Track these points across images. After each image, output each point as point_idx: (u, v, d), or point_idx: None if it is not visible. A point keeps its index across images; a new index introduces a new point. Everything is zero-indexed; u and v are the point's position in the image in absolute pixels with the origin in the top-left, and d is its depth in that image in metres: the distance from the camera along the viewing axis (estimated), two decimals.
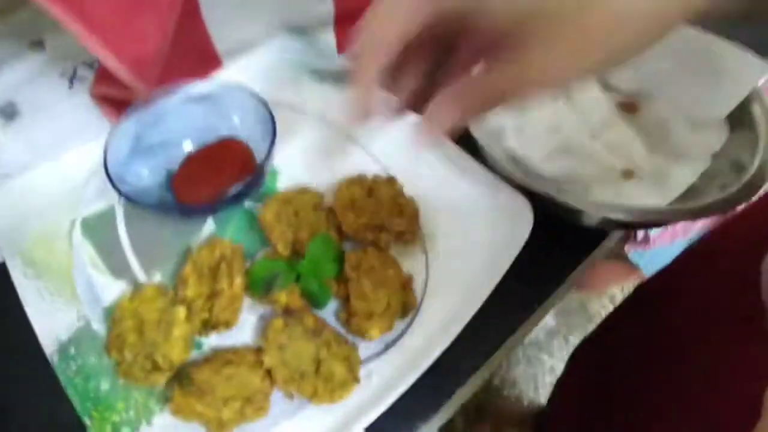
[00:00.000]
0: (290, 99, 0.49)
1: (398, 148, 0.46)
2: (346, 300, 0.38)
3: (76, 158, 0.45)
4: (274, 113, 0.42)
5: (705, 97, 0.43)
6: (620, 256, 1.09)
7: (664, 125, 0.44)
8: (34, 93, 0.48)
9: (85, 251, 0.42)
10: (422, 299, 0.39)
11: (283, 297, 0.37)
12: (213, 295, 0.37)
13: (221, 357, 0.35)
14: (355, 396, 0.35)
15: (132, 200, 0.39)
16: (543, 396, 1.08)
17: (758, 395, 0.24)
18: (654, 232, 0.99)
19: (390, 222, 0.40)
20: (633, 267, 1.08)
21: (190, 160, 0.44)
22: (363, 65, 0.27)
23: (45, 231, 0.42)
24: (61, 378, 0.36)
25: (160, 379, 0.34)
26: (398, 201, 0.41)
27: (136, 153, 0.43)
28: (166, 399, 0.35)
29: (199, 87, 0.44)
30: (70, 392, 0.35)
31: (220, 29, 0.47)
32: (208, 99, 0.45)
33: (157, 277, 0.41)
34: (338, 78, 0.50)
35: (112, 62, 0.39)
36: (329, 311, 0.38)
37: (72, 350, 0.37)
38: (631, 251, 1.07)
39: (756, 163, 0.39)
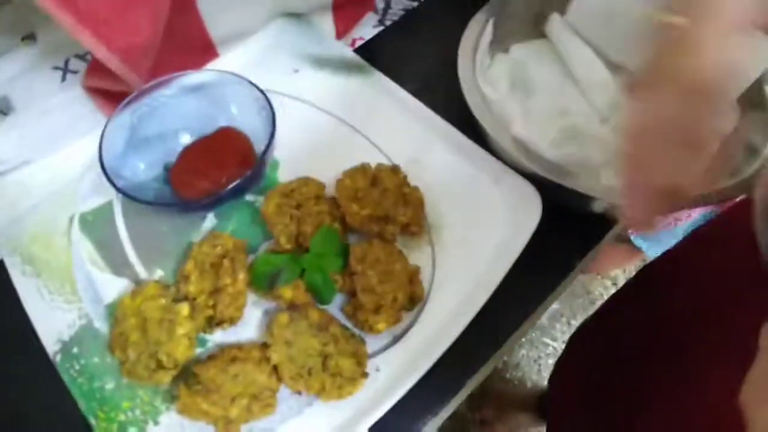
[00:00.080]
0: (288, 87, 0.48)
1: (401, 136, 0.45)
2: (351, 294, 0.37)
3: (71, 153, 0.44)
4: (272, 102, 0.41)
5: None
6: (623, 239, 1.08)
7: None
8: (27, 87, 0.47)
9: (84, 248, 0.41)
10: (429, 291, 0.38)
11: (287, 292, 0.36)
12: (216, 292, 0.36)
13: (226, 354, 0.34)
14: (364, 391, 0.34)
15: (129, 196, 0.38)
16: (546, 379, 1.08)
17: None
18: None
19: (395, 212, 0.39)
20: (636, 250, 1.08)
21: (188, 152, 0.43)
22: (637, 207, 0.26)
23: (42, 227, 0.41)
24: (65, 378, 0.35)
25: (165, 378, 0.34)
26: (403, 190, 0.40)
27: (132, 146, 0.42)
28: (172, 397, 0.35)
29: (194, 77, 0.43)
30: (75, 392, 0.35)
31: (214, 17, 0.46)
32: (204, 89, 0.43)
33: (158, 273, 0.40)
34: (337, 65, 0.49)
35: (103, 53, 0.38)
36: (334, 305, 0.38)
37: (75, 350, 0.36)
38: (634, 234, 1.06)
39: None
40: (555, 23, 0.46)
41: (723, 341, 0.41)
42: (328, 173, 0.42)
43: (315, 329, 0.35)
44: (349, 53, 0.50)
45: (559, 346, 1.12)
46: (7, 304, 0.38)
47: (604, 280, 1.20)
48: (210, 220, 0.42)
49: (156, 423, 0.34)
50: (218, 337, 0.37)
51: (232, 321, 0.36)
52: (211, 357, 0.35)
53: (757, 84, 0.41)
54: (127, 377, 0.34)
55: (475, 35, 0.43)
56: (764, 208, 0.24)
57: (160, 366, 0.34)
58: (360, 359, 0.35)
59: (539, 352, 1.12)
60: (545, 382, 1.08)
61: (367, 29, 0.54)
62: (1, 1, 0.49)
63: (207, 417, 0.33)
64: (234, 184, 0.38)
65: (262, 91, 0.42)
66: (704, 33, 0.25)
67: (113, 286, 0.39)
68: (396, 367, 0.36)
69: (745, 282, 0.40)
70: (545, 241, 0.38)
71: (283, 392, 0.35)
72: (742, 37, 0.25)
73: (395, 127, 0.45)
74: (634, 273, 0.86)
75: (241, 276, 0.36)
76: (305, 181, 0.41)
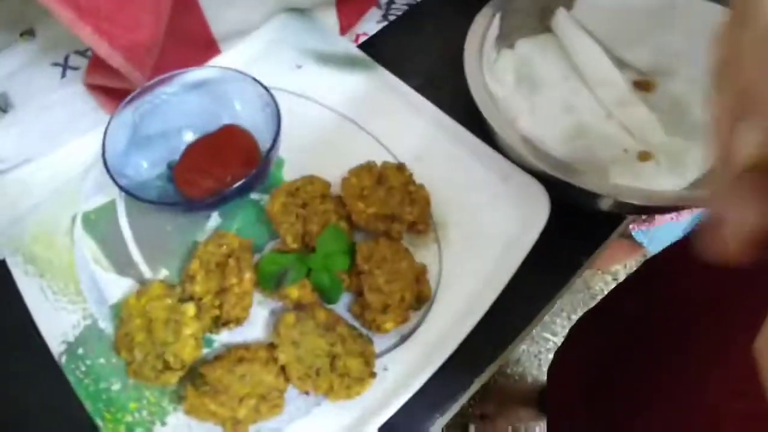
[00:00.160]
0: (291, 84, 0.47)
1: (406, 133, 0.44)
2: (358, 293, 0.37)
3: (72, 151, 0.43)
4: (276, 98, 0.41)
5: None
6: (624, 234, 1.08)
7: (682, 104, 0.43)
8: (26, 83, 0.46)
9: (87, 247, 0.40)
10: (437, 290, 0.38)
11: (294, 292, 0.36)
12: (222, 291, 0.36)
13: (233, 354, 0.34)
14: (372, 390, 0.34)
15: (132, 195, 0.37)
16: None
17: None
18: None
19: (401, 211, 0.38)
20: (637, 245, 1.08)
21: (192, 150, 0.43)
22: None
23: (44, 227, 0.41)
24: (71, 379, 0.35)
25: (172, 379, 0.33)
26: (409, 188, 0.40)
27: (134, 144, 0.41)
28: (179, 398, 0.35)
29: (196, 73, 0.42)
30: (81, 394, 0.34)
31: (216, 13, 0.45)
32: (207, 86, 0.43)
33: (163, 273, 0.39)
34: (341, 61, 0.49)
35: (105, 50, 0.37)
36: (341, 304, 0.37)
37: (80, 350, 0.36)
38: (635, 229, 1.06)
39: None
40: (561, 18, 0.46)
41: (723, 337, 0.41)
42: (333, 171, 0.41)
43: (322, 329, 0.35)
44: (352, 49, 0.49)
45: (560, 342, 1.12)
46: (9, 303, 0.38)
47: (604, 275, 1.20)
48: (215, 219, 0.42)
49: (163, 424, 0.34)
50: (224, 337, 0.37)
51: (239, 321, 0.36)
52: (217, 357, 0.34)
53: None
54: (134, 378, 0.34)
55: (481, 30, 0.43)
56: None
57: (167, 367, 0.33)
58: (368, 359, 0.34)
59: (540, 347, 1.13)
60: (546, 378, 1.08)
61: (371, 24, 0.53)
62: None
63: (215, 418, 0.32)
64: (239, 183, 0.37)
65: (266, 88, 0.41)
66: None
67: (118, 286, 0.39)
68: (404, 367, 0.35)
69: (747, 277, 0.40)
70: (552, 239, 0.38)
71: (291, 392, 0.34)
72: None
73: (400, 123, 0.45)
74: (634, 269, 0.86)
75: (248, 276, 0.36)
76: (311, 179, 0.41)
